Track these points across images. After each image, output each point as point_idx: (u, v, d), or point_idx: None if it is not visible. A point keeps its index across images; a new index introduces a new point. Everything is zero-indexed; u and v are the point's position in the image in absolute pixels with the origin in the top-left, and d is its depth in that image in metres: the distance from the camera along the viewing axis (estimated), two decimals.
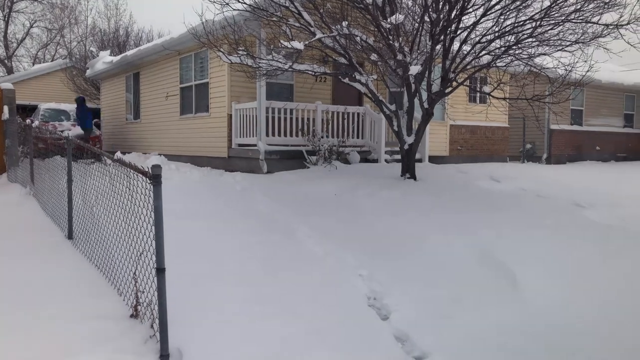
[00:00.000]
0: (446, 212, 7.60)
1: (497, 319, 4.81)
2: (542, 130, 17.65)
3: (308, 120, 11.14)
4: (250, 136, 10.93)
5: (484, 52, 9.19)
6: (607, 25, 8.39)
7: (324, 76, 10.69)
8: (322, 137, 11.00)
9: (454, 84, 9.48)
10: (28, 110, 18.87)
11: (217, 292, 4.71)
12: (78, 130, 14.18)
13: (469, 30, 8.93)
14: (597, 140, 19.56)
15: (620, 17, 8.20)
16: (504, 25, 8.72)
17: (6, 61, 32.72)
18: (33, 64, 32.71)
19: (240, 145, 11.41)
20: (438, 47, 9.00)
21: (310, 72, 9.51)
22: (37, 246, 5.64)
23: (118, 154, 9.36)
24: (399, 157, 10.49)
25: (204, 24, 9.67)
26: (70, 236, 5.87)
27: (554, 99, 9.36)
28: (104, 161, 5.19)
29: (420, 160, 12.00)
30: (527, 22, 8.54)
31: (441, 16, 8.43)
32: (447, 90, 9.49)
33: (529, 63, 9.49)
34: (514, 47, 8.94)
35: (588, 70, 8.92)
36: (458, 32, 9.01)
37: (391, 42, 8.43)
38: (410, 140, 9.67)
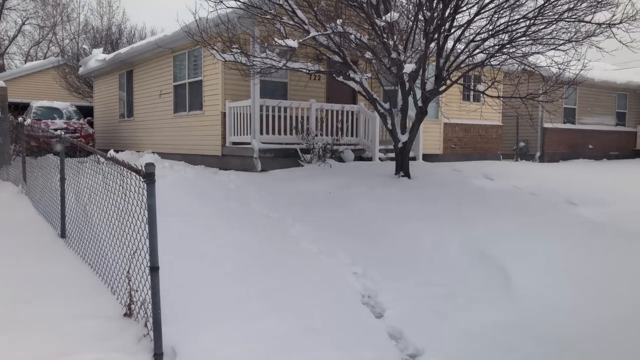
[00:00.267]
0: (440, 210, 7.61)
1: (490, 315, 4.83)
2: (535, 128, 17.73)
3: (302, 119, 11.13)
4: (244, 134, 10.91)
5: (477, 51, 9.21)
6: (599, 24, 8.43)
7: (318, 74, 10.69)
8: (316, 135, 10.99)
9: (448, 82, 9.50)
10: (20, 108, 18.73)
11: (210, 290, 4.70)
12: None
13: (463, 28, 8.95)
14: (590, 138, 19.68)
15: (613, 16, 8.25)
16: (498, 23, 8.74)
17: None
18: (25, 62, 32.47)
19: (234, 143, 11.39)
20: (432, 45, 9.01)
21: (304, 70, 9.50)
22: (29, 245, 5.61)
23: (111, 152, 9.31)
24: (393, 155, 10.50)
25: (198, 21, 9.63)
26: (63, 235, 5.84)
27: (547, 97, 9.41)
28: (97, 159, 5.16)
29: (414, 159, 12.02)
30: (521, 20, 8.56)
31: (435, 14, 8.44)
32: (441, 89, 9.51)
33: (522, 62, 9.53)
34: (508, 45, 8.97)
35: (581, 69, 8.97)
36: (452, 31, 9.03)
37: (385, 40, 8.44)
38: (404, 138, 9.68)
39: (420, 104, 9.54)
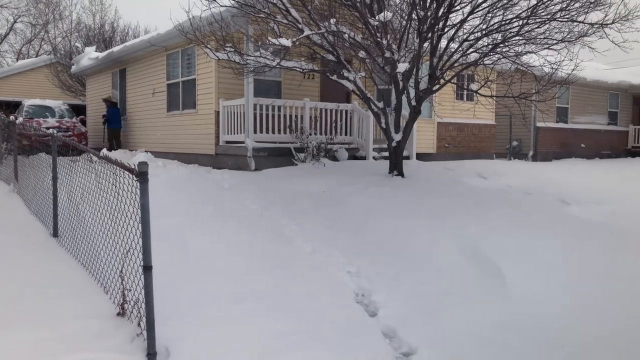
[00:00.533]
0: (433, 209, 7.63)
1: (483, 314, 4.85)
2: (528, 127, 17.81)
3: (296, 118, 11.11)
4: (238, 133, 10.88)
5: (471, 50, 9.23)
6: (592, 24, 8.47)
7: (312, 73, 10.67)
8: (310, 134, 10.98)
9: (442, 81, 9.52)
10: (12, 107, 18.61)
11: (204, 290, 4.69)
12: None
13: (456, 28, 8.97)
14: (582, 137, 19.79)
15: (605, 16, 8.30)
16: (491, 23, 8.77)
17: None
18: (17, 60, 32.22)
19: (227, 142, 11.36)
20: (426, 44, 9.02)
21: (298, 69, 9.49)
22: (21, 244, 5.57)
23: (104, 151, 9.27)
24: (386, 154, 10.51)
25: (191, 20, 9.59)
26: (55, 234, 5.81)
27: (540, 96, 9.45)
28: (89, 158, 5.14)
29: (407, 158, 12.04)
30: (514, 20, 8.59)
31: (429, 14, 8.46)
32: (434, 88, 9.53)
33: (515, 61, 9.56)
34: (501, 45, 9.00)
35: (574, 69, 9.02)
36: (446, 30, 9.05)
37: (379, 39, 8.44)
38: (398, 137, 9.69)
39: (414, 103, 9.55)
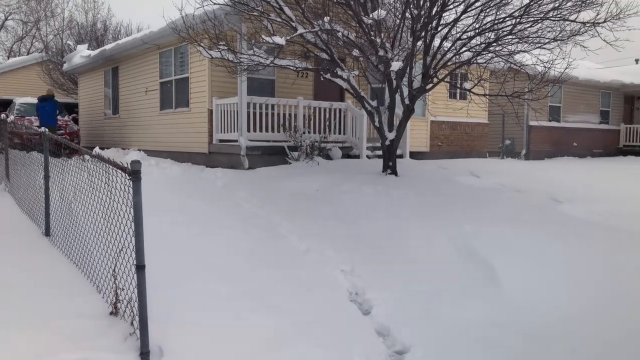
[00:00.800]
0: (427, 207, 7.65)
1: (476, 312, 4.87)
2: (521, 126, 17.89)
3: (290, 116, 11.10)
4: (231, 132, 10.86)
5: (464, 49, 9.26)
6: (584, 23, 8.52)
7: (306, 72, 10.66)
8: (304, 132, 10.97)
9: (435, 80, 9.54)
10: (3, 105, 18.47)
11: (198, 289, 4.68)
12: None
13: (449, 26, 8.99)
14: (575, 136, 19.90)
15: (597, 15, 8.34)
16: (484, 22, 8.79)
17: None
18: (8, 58, 31.99)
19: (221, 140, 11.33)
20: (419, 43, 9.04)
21: (291, 68, 9.48)
22: (13, 243, 5.53)
23: (96, 150, 9.22)
24: (380, 152, 10.52)
25: (184, 18, 9.55)
26: (47, 233, 5.77)
27: (533, 95, 9.49)
28: (82, 157, 5.11)
29: (401, 156, 12.06)
30: (507, 19, 8.62)
31: (422, 12, 8.47)
32: (428, 87, 9.55)
33: (508, 60, 9.60)
34: (494, 44, 9.03)
35: (566, 68, 9.06)
36: (439, 29, 9.07)
37: (373, 38, 8.44)
38: (391, 136, 9.71)
39: (407, 101, 9.57)
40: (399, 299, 5.07)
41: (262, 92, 11.45)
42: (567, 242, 6.34)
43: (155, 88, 13.52)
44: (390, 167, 9.71)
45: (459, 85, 13.04)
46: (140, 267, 3.48)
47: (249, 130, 10.62)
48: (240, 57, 9.04)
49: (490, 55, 9.41)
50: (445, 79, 9.93)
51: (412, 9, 8.35)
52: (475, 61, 9.42)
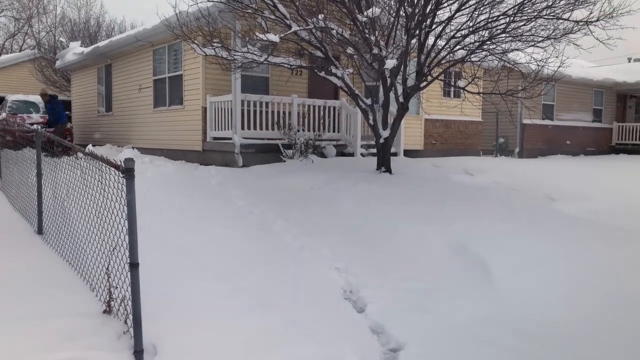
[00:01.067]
0: (421, 205, 7.67)
1: (470, 309, 4.89)
2: (514, 124, 17.94)
3: (284, 114, 11.09)
4: (225, 129, 10.83)
5: (458, 47, 9.28)
6: (577, 21, 8.56)
7: (300, 69, 10.64)
8: (298, 130, 10.96)
9: (429, 78, 9.55)
10: None
11: (192, 287, 4.67)
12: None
13: (443, 25, 9.00)
14: (568, 134, 20.00)
15: (590, 13, 8.38)
16: (478, 20, 8.81)
17: None
18: (0, 55, 31.73)
19: (215, 138, 11.30)
20: (413, 41, 9.04)
21: (286, 65, 9.46)
22: (5, 241, 5.49)
23: (90, 147, 9.17)
24: (374, 150, 10.53)
25: (178, 15, 9.51)
26: (40, 231, 5.74)
27: (526, 93, 9.52)
28: (75, 154, 5.08)
29: (395, 154, 12.07)
30: (501, 17, 8.65)
31: (416, 10, 8.47)
32: (422, 85, 9.56)
33: (502, 58, 9.62)
34: (488, 42, 9.05)
35: (559, 66, 9.10)
36: (433, 27, 9.07)
37: (367, 35, 8.44)
38: (385, 134, 9.71)
39: (401, 99, 9.58)
40: (393, 297, 5.08)
41: (256, 89, 11.43)
42: (560, 240, 6.37)
43: (149, 85, 13.46)
44: (384, 165, 9.72)
45: (453, 84, 13.08)
46: (134, 265, 3.47)
47: (243, 128, 10.60)
48: (234, 55, 9.01)
49: (484, 53, 9.43)
50: (440, 77, 9.96)
51: (407, 7, 8.35)
52: (469, 59, 9.44)
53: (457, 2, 8.59)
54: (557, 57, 9.07)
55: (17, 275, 4.61)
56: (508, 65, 9.76)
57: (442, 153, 15.36)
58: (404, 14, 8.51)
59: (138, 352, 3.50)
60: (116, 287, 3.92)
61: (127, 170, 3.40)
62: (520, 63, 9.73)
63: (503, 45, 9.32)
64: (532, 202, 8.17)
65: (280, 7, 8.45)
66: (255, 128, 10.77)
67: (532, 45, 9.21)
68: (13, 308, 3.98)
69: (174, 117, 12.52)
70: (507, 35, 8.93)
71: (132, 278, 3.48)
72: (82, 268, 4.60)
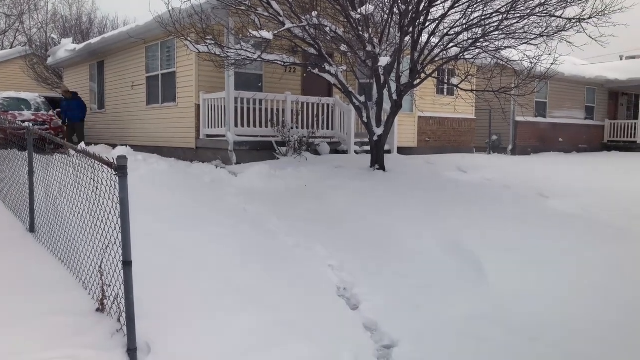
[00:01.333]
0: (415, 202, 7.68)
1: (463, 306, 4.91)
2: (507, 122, 18.00)
3: (278, 111, 11.07)
4: (218, 127, 10.80)
5: (451, 45, 9.30)
6: (570, 19, 8.60)
7: (294, 67, 10.63)
8: (292, 128, 10.95)
9: (423, 75, 9.56)
10: None
11: (185, 285, 4.65)
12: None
13: (437, 22, 9.02)
14: (560, 131, 20.09)
15: (583, 11, 8.43)
16: (472, 17, 8.83)
17: None
18: None
19: (208, 136, 11.27)
20: (407, 38, 9.05)
21: (279, 63, 9.44)
22: None
23: (82, 145, 9.12)
24: (368, 148, 10.54)
25: (171, 12, 9.46)
26: (32, 229, 5.70)
27: (519, 91, 9.56)
28: (67, 152, 5.04)
29: (389, 152, 12.08)
30: (494, 15, 8.67)
31: (410, 8, 8.48)
32: (415, 82, 9.57)
33: (495, 56, 9.65)
34: (481, 39, 9.08)
35: (552, 63, 9.14)
36: (427, 24, 9.09)
37: (361, 33, 8.44)
38: (379, 131, 9.72)
39: (395, 97, 9.59)
40: (387, 294, 5.10)
41: (250, 87, 11.39)
42: (553, 237, 6.41)
43: (142, 83, 13.39)
44: (378, 162, 9.74)
45: (446, 81, 13.10)
46: (127, 264, 3.46)
47: (236, 126, 10.57)
48: (228, 52, 8.98)
49: (477, 51, 9.45)
50: (433, 75, 9.98)
51: (400, 5, 8.36)
52: (462, 57, 9.46)
53: (450, 0, 8.60)
54: (549, 54, 9.11)
55: (9, 273, 4.59)
56: (501, 62, 9.79)
57: (436, 150, 15.39)
58: (397, 12, 8.52)
59: (131, 350, 3.49)
60: (109, 286, 3.90)
61: (120, 168, 3.38)
62: (513, 60, 9.76)
63: (496, 43, 9.35)
64: (525, 200, 8.21)
65: (273, 4, 8.43)
66: (249, 125, 10.74)
67: (525, 43, 9.25)
68: (4, 307, 3.96)
69: (167, 114, 12.47)
70: (500, 32, 8.96)
71: (125, 276, 3.47)
72: (75, 266, 4.57)
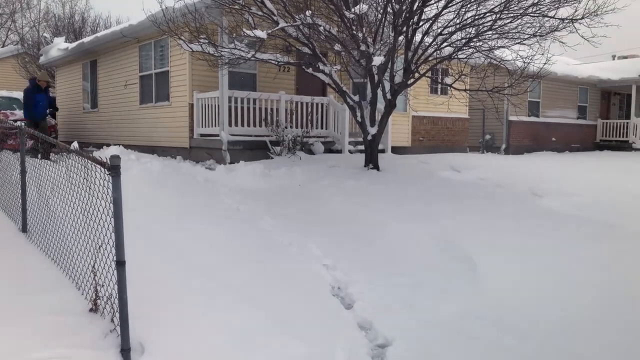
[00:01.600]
0: (408, 201, 7.70)
1: (458, 305, 4.92)
2: (501, 121, 18.08)
3: (272, 111, 11.06)
4: (212, 126, 10.77)
5: (445, 44, 9.32)
6: (562, 19, 8.65)
7: (288, 66, 10.62)
8: (286, 127, 10.94)
9: (416, 75, 9.59)
10: None
11: (179, 284, 4.64)
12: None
13: (431, 21, 9.04)
14: (553, 131, 20.20)
15: (575, 11, 8.48)
16: (465, 17, 8.86)
17: None
18: None
19: (202, 135, 11.24)
20: (401, 38, 9.07)
21: (273, 62, 9.44)
22: None
23: (75, 145, 9.07)
24: (362, 147, 10.55)
25: (164, 11, 9.43)
26: (24, 229, 5.66)
27: (512, 90, 9.60)
28: (59, 151, 5.02)
29: (383, 151, 12.11)
30: (487, 14, 8.70)
31: (404, 7, 8.50)
32: (409, 82, 9.59)
33: (489, 55, 9.69)
34: (475, 39, 9.11)
35: (545, 63, 9.19)
36: (420, 24, 9.11)
37: (355, 32, 8.44)
38: (373, 130, 9.74)
39: (389, 96, 9.61)
40: (381, 293, 5.10)
41: (244, 86, 11.38)
42: (546, 236, 6.44)
43: (135, 82, 13.34)
44: (372, 161, 9.75)
45: (440, 81, 13.13)
46: (120, 264, 3.44)
47: (230, 125, 10.55)
48: (222, 51, 8.97)
49: (470, 50, 9.49)
50: (427, 74, 10.00)
51: (394, 4, 8.37)
52: (456, 56, 9.49)
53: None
54: (542, 54, 9.16)
55: (1, 273, 4.55)
56: (494, 62, 9.83)
57: (430, 150, 15.43)
58: (391, 11, 8.53)
59: (125, 350, 3.48)
60: (102, 285, 3.88)
61: (113, 168, 3.37)
62: (506, 60, 9.81)
63: (489, 43, 9.39)
64: (518, 198, 8.24)
65: (267, 3, 8.42)
66: (242, 125, 10.72)
67: (518, 43, 9.30)
68: None
69: (160, 113, 12.43)
70: (494, 32, 9.00)
71: (119, 276, 3.45)
72: (68, 266, 4.55)
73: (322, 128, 11.88)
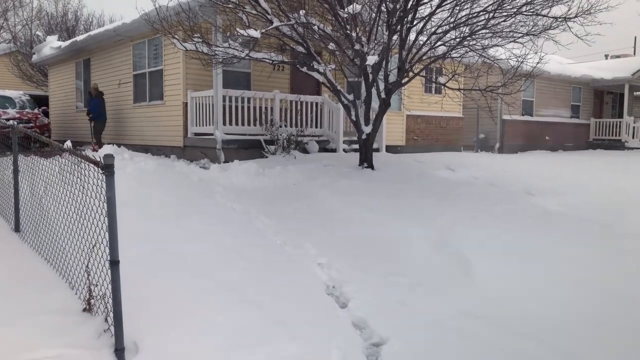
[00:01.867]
0: (403, 200, 7.71)
1: (452, 304, 4.93)
2: (494, 120, 18.13)
3: (266, 109, 11.04)
4: (206, 125, 10.74)
5: (439, 43, 9.34)
6: (556, 18, 8.68)
7: (282, 65, 10.61)
8: (280, 126, 10.93)
9: (410, 74, 9.60)
10: None
11: (173, 284, 4.63)
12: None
13: (425, 20, 9.05)
14: (547, 130, 20.28)
15: (569, 10, 8.52)
16: (459, 16, 8.88)
17: None
18: None
19: (196, 134, 11.21)
20: (395, 37, 9.08)
21: (267, 61, 9.42)
22: None
23: (68, 144, 9.02)
24: (357, 146, 10.56)
25: (158, 9, 9.40)
26: (17, 229, 5.63)
27: (506, 89, 9.63)
28: (53, 150, 4.99)
29: (377, 150, 12.12)
30: (481, 13, 8.72)
31: (398, 6, 8.50)
32: (403, 81, 9.61)
33: (482, 54, 9.72)
34: (469, 38, 9.13)
35: (538, 62, 9.23)
36: (414, 23, 9.12)
37: (349, 31, 8.45)
38: (367, 129, 9.75)
39: (383, 95, 9.62)
40: (376, 292, 5.11)
41: (238, 85, 11.35)
42: (540, 235, 6.47)
43: (129, 81, 13.28)
44: (366, 160, 9.76)
45: (434, 80, 13.15)
46: (114, 263, 3.43)
47: (224, 124, 10.52)
48: (216, 50, 8.95)
49: (464, 49, 9.51)
50: (421, 73, 10.01)
51: (388, 3, 8.38)
52: (449, 55, 9.51)
53: None
54: (536, 53, 9.19)
55: None
56: (488, 61, 9.86)
57: (424, 149, 15.46)
58: (385, 10, 8.53)
59: (119, 350, 3.46)
60: (96, 285, 3.87)
61: (107, 167, 3.35)
62: (500, 59, 9.84)
63: (483, 41, 9.42)
64: (512, 197, 8.28)
65: (261, 2, 8.41)
66: (237, 124, 10.70)
67: (511, 41, 9.33)
68: None
69: (154, 112, 12.38)
70: (488, 31, 9.03)
71: (113, 276, 3.44)
72: (61, 266, 4.53)
73: (316, 127, 11.88)
